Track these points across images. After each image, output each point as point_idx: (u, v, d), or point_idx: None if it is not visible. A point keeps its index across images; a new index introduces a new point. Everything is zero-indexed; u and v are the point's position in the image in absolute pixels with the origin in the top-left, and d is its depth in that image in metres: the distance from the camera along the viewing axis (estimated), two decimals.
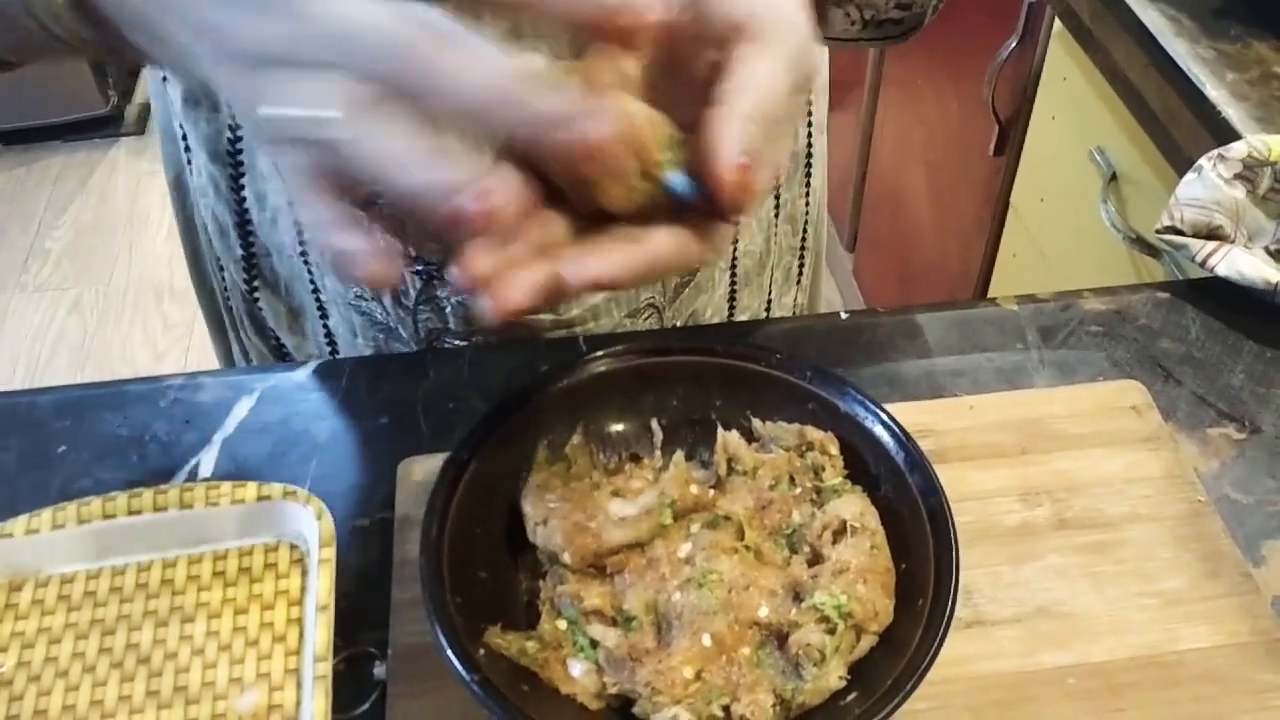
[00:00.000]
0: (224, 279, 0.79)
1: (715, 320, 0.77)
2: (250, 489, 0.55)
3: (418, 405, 0.63)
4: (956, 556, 0.45)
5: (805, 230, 0.84)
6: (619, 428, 0.54)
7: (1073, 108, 1.17)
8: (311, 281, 0.74)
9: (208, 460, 0.60)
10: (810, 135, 0.81)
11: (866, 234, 2.04)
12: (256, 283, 0.77)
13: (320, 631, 0.49)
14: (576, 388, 0.54)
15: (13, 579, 0.54)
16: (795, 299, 0.87)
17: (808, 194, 0.82)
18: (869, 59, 1.82)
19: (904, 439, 0.49)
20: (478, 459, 0.51)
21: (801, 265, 0.85)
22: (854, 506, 0.47)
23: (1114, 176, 1.09)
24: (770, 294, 0.83)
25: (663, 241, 0.39)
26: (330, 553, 0.52)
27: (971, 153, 1.45)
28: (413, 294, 0.70)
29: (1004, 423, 0.58)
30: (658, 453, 0.54)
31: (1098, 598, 0.51)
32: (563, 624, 0.46)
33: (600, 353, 0.54)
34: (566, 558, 0.47)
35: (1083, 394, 0.60)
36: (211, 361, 0.86)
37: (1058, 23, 1.15)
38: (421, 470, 0.58)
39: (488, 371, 0.64)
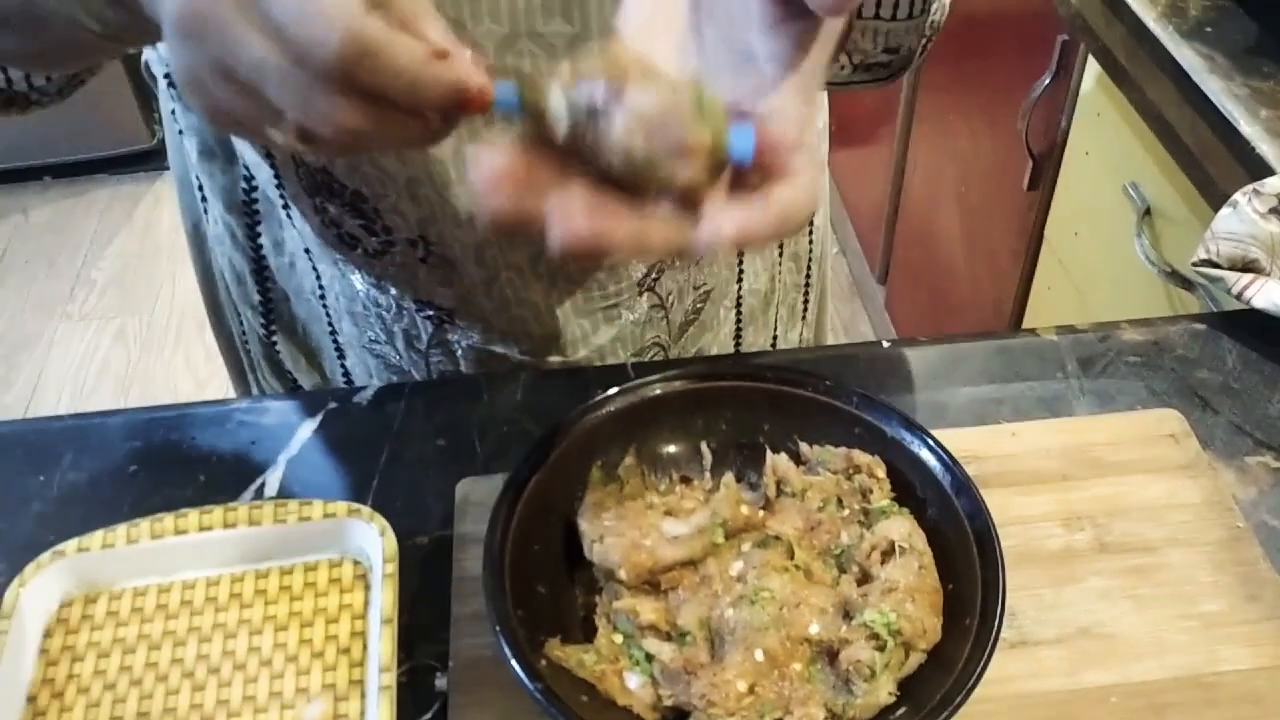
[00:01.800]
0: (242, 324, 0.81)
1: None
2: (316, 507, 0.57)
3: (474, 429, 0.65)
4: (1003, 576, 0.46)
5: (810, 268, 0.85)
6: (670, 450, 0.56)
7: (1107, 143, 1.19)
8: (329, 324, 0.76)
9: (273, 480, 0.62)
10: None
11: (899, 267, 2.06)
12: (274, 326, 0.79)
13: (385, 644, 0.51)
14: (629, 411, 0.56)
15: (89, 592, 0.56)
16: (801, 335, 0.88)
17: (810, 231, 0.84)
18: (901, 94, 1.85)
19: (950, 463, 0.51)
20: (536, 479, 0.53)
21: (806, 302, 0.87)
22: (902, 528, 0.49)
23: (1148, 211, 1.10)
24: (776, 331, 0.84)
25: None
26: (394, 568, 0.55)
27: (1005, 187, 1.47)
28: (425, 338, 0.73)
29: (1046, 450, 0.60)
30: (707, 474, 0.56)
31: (1139, 619, 0.52)
32: (619, 638, 0.48)
33: (652, 377, 0.56)
34: (622, 574, 0.49)
35: (1122, 422, 0.61)
36: None
37: (1092, 60, 1.17)
38: (478, 491, 0.60)
39: (540, 396, 0.66)
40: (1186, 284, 1.03)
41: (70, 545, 0.56)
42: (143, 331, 2.29)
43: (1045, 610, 0.53)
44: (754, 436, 0.56)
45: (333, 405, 0.66)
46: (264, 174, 0.68)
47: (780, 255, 0.81)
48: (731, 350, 0.80)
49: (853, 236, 2.33)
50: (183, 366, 2.17)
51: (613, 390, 0.55)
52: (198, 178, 0.76)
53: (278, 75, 0.35)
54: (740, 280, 0.78)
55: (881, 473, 0.52)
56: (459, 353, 0.73)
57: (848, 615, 0.47)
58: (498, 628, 0.45)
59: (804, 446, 0.54)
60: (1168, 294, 1.09)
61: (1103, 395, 0.65)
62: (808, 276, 0.86)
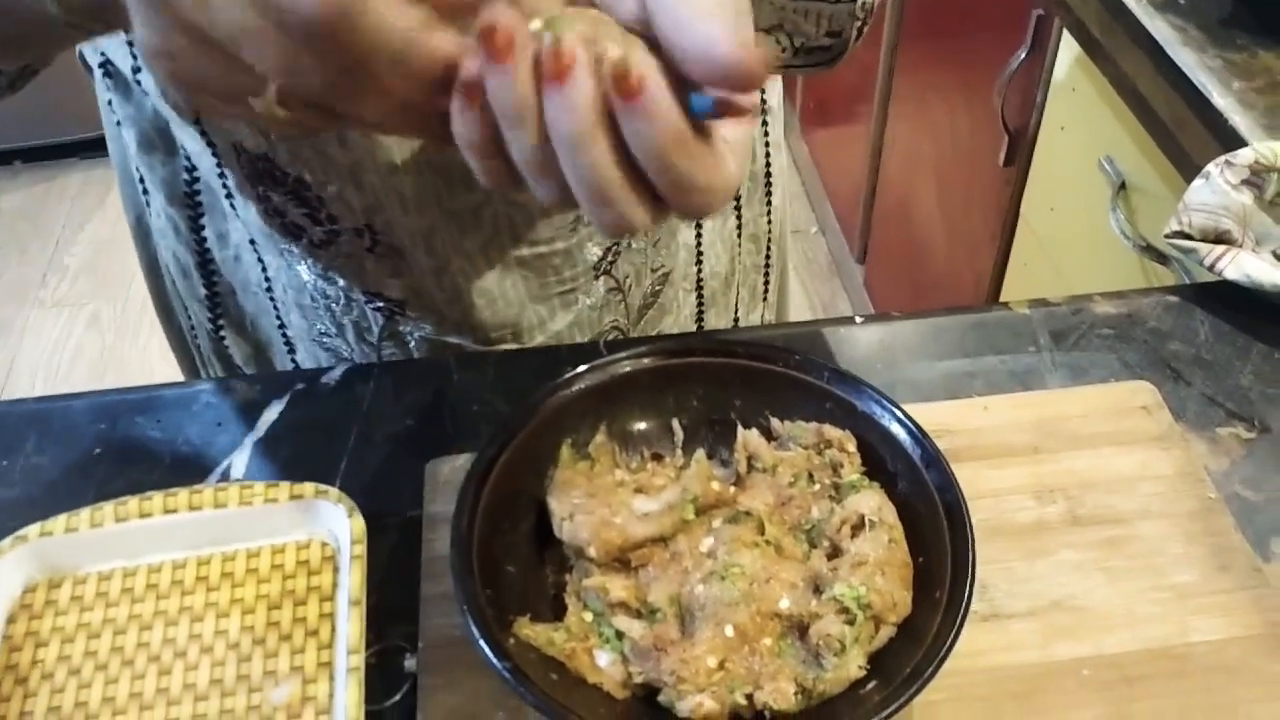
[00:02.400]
0: (190, 319, 0.80)
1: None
2: (283, 489, 0.56)
3: (443, 408, 0.64)
4: (972, 549, 0.46)
5: (769, 248, 0.85)
6: (641, 427, 0.56)
7: (1082, 117, 1.19)
8: (278, 317, 0.75)
9: (240, 461, 0.61)
10: (769, 153, 0.81)
11: (877, 246, 2.06)
12: (222, 321, 0.77)
13: (353, 625, 0.51)
14: (599, 388, 0.55)
15: (52, 576, 0.55)
16: (763, 316, 0.88)
17: (769, 212, 0.83)
18: (878, 71, 1.84)
19: (920, 436, 0.51)
20: (504, 457, 0.52)
21: (767, 283, 0.86)
22: (872, 501, 0.49)
23: (1123, 185, 1.10)
24: (737, 312, 0.84)
25: None
26: (362, 549, 0.54)
27: (982, 163, 1.47)
28: (376, 330, 0.72)
29: (1018, 423, 0.59)
30: (679, 451, 0.55)
31: (1111, 592, 0.52)
32: (589, 616, 0.48)
33: (622, 354, 0.56)
34: (592, 551, 0.48)
35: (1094, 394, 0.61)
36: None
37: (1066, 34, 1.17)
38: (448, 470, 0.60)
39: (510, 375, 0.66)
40: (1162, 258, 1.03)
41: (33, 530, 0.55)
42: (116, 317, 2.27)
43: (1017, 583, 0.53)
44: (725, 413, 0.55)
45: (300, 386, 0.65)
46: (206, 164, 0.66)
47: (740, 236, 0.81)
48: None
49: (831, 215, 2.33)
50: (157, 352, 2.15)
51: (582, 368, 0.55)
52: (138, 170, 0.73)
53: (255, 37, 0.33)
54: (700, 262, 0.77)
55: (852, 447, 0.51)
56: (411, 344, 0.72)
57: (818, 590, 0.47)
58: (465, 607, 0.45)
59: (775, 422, 0.54)
60: (1143, 268, 1.09)
61: (1075, 368, 0.65)
62: (768, 257, 0.85)
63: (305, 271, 0.69)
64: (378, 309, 0.70)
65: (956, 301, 1.64)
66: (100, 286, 2.35)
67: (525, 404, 0.54)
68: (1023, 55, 1.28)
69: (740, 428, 0.53)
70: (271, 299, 0.73)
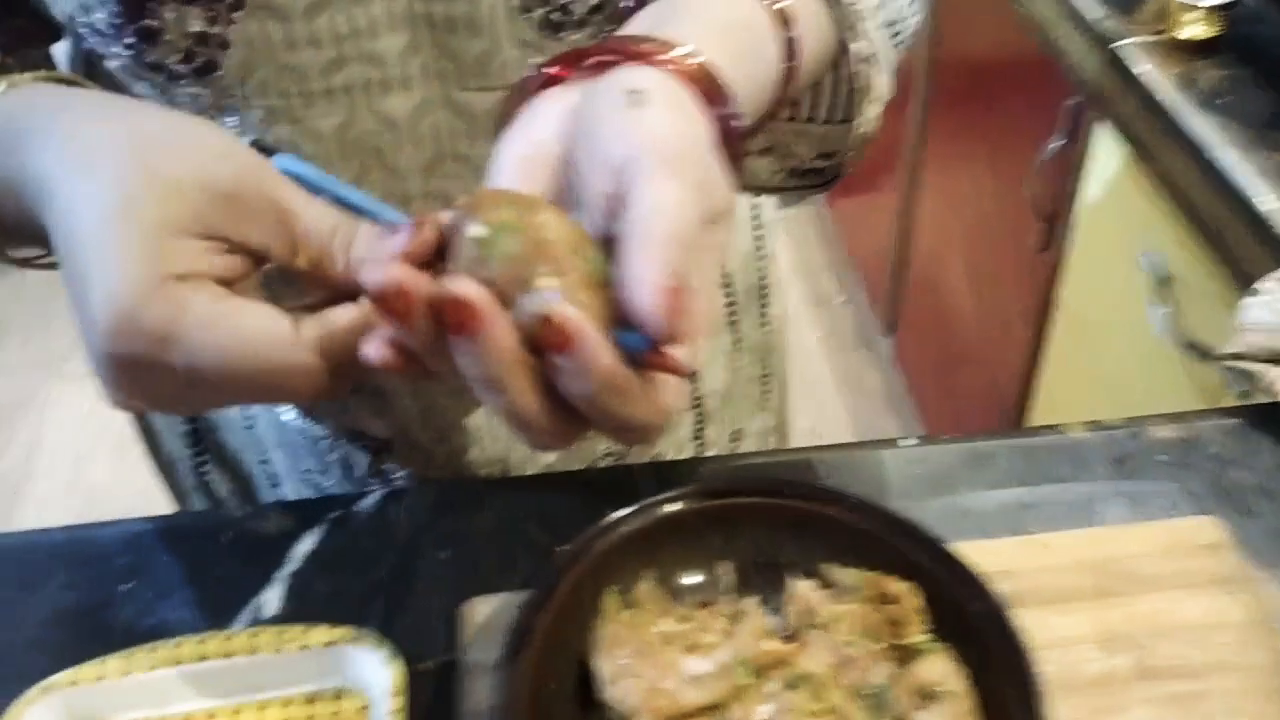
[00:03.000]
0: (171, 452, 0.78)
1: (682, 458, 0.75)
2: (318, 633, 0.54)
3: (478, 539, 0.62)
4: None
5: (770, 360, 0.83)
6: (687, 570, 0.54)
7: (1120, 209, 1.17)
8: (261, 454, 0.73)
9: (271, 598, 0.60)
10: (763, 267, 0.79)
11: (907, 319, 2.03)
12: (204, 456, 0.76)
13: None
14: (642, 532, 0.53)
15: None
16: (765, 423, 0.85)
17: (765, 324, 0.81)
18: (907, 142, 1.83)
19: (986, 594, 0.48)
20: (546, 610, 0.50)
21: (767, 392, 0.84)
22: (940, 668, 0.46)
23: (1165, 278, 1.08)
24: (740, 424, 0.81)
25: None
26: (401, 702, 0.52)
27: (1015, 245, 1.45)
28: (363, 468, 0.70)
29: (1079, 563, 0.57)
30: (728, 597, 0.53)
31: None
32: None
33: (665, 496, 0.54)
34: None
35: (1157, 532, 0.59)
36: None
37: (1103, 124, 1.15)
38: (484, 611, 0.57)
39: (546, 503, 0.64)
40: (1204, 355, 1.01)
41: (61, 679, 0.53)
42: None
43: None
44: (774, 557, 0.53)
45: (335, 514, 0.64)
46: None
47: (739, 348, 0.78)
48: (692, 450, 0.77)
49: (858, 286, 2.31)
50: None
51: (623, 511, 0.53)
52: None
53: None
54: (696, 381, 0.75)
55: (916, 603, 0.49)
56: (399, 483, 0.70)
57: None
58: None
59: (829, 569, 0.52)
60: (1184, 363, 1.07)
61: (1135, 497, 0.62)
62: (767, 369, 0.83)
63: (287, 410, 0.68)
64: (363, 447, 0.68)
65: (990, 382, 1.62)
66: None
67: (566, 553, 0.52)
68: (1057, 142, 1.27)
69: (788, 580, 0.51)
70: (254, 436, 0.72)
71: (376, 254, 0.37)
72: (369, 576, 0.60)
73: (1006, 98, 1.50)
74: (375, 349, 0.35)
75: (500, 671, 0.47)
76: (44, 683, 0.53)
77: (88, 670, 0.53)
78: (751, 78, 0.46)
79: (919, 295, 1.96)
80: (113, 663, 0.53)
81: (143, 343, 0.34)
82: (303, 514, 0.64)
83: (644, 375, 0.35)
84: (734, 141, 0.42)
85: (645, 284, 0.34)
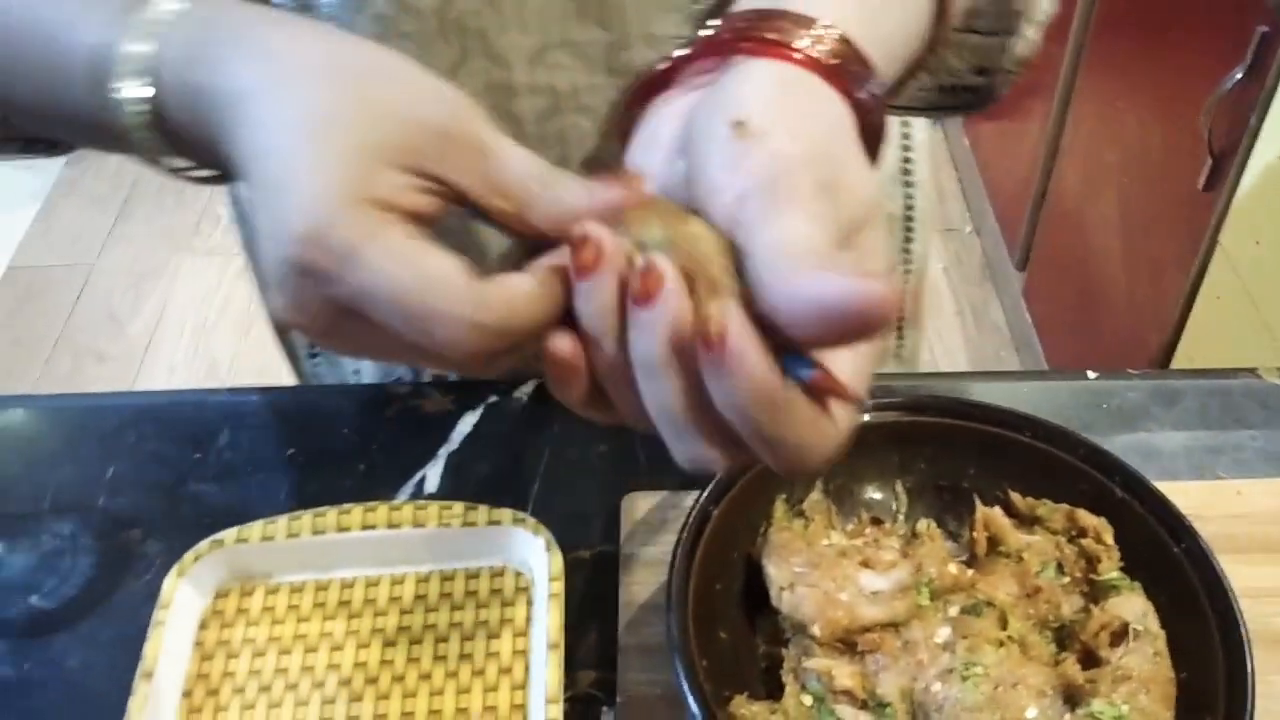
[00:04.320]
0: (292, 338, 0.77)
1: None
2: (481, 512, 0.54)
3: (636, 435, 0.61)
4: (1251, 669, 0.41)
5: (905, 308, 0.78)
6: (861, 486, 0.52)
7: None
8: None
9: (433, 475, 0.60)
10: (910, 194, 0.74)
11: (1042, 254, 1.96)
12: (317, 353, 0.75)
13: (551, 671, 0.48)
14: None
15: (244, 584, 0.55)
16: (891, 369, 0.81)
17: (907, 264, 0.76)
18: (1062, 66, 1.74)
19: (1186, 530, 0.46)
20: (718, 512, 0.49)
21: (901, 339, 0.81)
22: (1136, 607, 0.44)
23: None
24: None
25: None
26: (560, 587, 0.52)
27: (1177, 184, 1.37)
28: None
29: (1275, 513, 0.54)
30: (901, 517, 0.51)
31: None
32: (808, 699, 0.44)
33: None
34: (816, 630, 0.45)
35: None
36: None
37: None
38: (644, 506, 0.57)
39: None
40: None
41: (229, 535, 0.54)
42: None
43: (1275, 701, 0.48)
44: (957, 480, 0.51)
45: (493, 399, 0.63)
46: None
47: None
48: None
49: (990, 215, 2.23)
50: None
51: None
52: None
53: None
54: None
55: (1110, 538, 0.47)
56: None
57: (1068, 700, 0.43)
58: (686, 685, 0.42)
59: (1016, 498, 0.49)
60: None
61: None
62: (901, 317, 0.79)
63: None
64: None
65: (1131, 326, 1.55)
66: None
67: None
68: (1239, 75, 1.19)
69: (978, 502, 0.49)
70: None
71: (583, 203, 0.35)
72: (527, 464, 0.60)
73: (1184, 22, 1.40)
74: (561, 342, 0.35)
75: (672, 578, 0.46)
76: (214, 536, 0.54)
77: (255, 529, 0.54)
78: (902, 25, 0.43)
79: (1057, 230, 1.88)
80: (280, 523, 0.54)
81: (326, 256, 0.33)
82: (464, 396, 0.63)
83: (808, 399, 0.33)
84: (875, 112, 0.39)
85: (796, 300, 0.32)
